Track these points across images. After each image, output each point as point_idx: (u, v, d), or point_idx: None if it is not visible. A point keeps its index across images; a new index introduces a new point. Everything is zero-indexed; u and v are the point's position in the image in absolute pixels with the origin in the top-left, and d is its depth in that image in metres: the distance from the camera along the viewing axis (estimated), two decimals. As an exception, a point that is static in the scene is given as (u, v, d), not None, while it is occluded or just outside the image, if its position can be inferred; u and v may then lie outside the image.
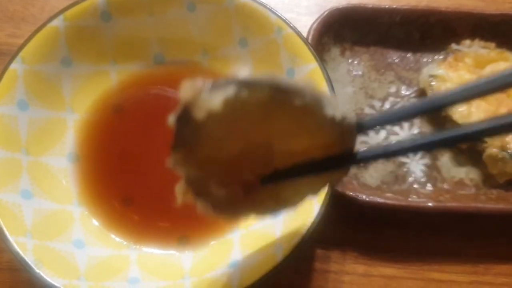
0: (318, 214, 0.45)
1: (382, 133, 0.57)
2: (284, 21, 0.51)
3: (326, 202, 0.45)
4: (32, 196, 0.48)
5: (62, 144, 0.53)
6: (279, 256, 0.44)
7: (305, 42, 0.51)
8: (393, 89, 0.59)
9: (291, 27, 0.51)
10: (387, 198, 0.51)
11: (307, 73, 0.51)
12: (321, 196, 0.46)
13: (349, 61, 0.60)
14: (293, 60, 0.52)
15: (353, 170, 0.55)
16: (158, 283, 0.47)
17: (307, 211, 0.46)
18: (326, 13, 0.57)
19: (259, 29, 0.53)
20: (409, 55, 0.60)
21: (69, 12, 0.51)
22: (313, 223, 0.45)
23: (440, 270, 0.54)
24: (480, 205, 0.51)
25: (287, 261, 0.44)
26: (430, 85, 0.56)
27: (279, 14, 0.51)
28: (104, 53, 0.55)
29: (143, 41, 0.55)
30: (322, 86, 0.50)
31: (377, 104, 0.58)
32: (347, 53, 0.60)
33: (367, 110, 0.58)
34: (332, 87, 0.49)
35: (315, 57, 0.50)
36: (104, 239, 0.50)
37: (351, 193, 0.50)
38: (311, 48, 0.51)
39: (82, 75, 0.54)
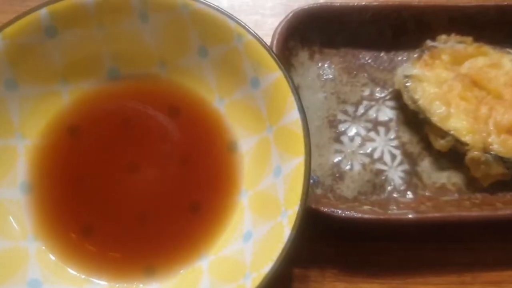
0: (289, 239, 0.41)
1: (357, 140, 0.54)
2: (244, 27, 0.47)
3: (297, 226, 0.42)
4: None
5: (13, 174, 0.49)
6: (248, 287, 0.41)
7: (267, 50, 0.47)
8: (366, 92, 0.55)
9: (251, 33, 0.47)
10: (364, 212, 0.47)
11: (272, 82, 0.47)
12: (292, 219, 0.42)
13: (319, 65, 0.56)
14: (256, 69, 0.48)
15: (328, 182, 0.52)
16: (121, 322, 0.43)
17: (277, 235, 0.43)
18: (290, 14, 0.53)
19: (218, 37, 0.49)
20: (382, 54, 0.57)
21: (8, 30, 0.47)
22: (283, 249, 0.41)
23: (425, 283, 0.51)
24: (464, 213, 0.48)
25: (258, 292, 0.40)
26: (406, 86, 0.52)
27: (238, 20, 0.48)
28: (53, 71, 0.50)
29: (94, 55, 0.51)
30: (288, 96, 0.46)
31: (350, 109, 0.55)
32: (317, 56, 0.56)
33: (340, 116, 0.54)
34: (298, 97, 0.46)
35: (279, 65, 0.47)
36: (64, 276, 0.46)
37: (325, 209, 0.47)
38: (274, 55, 0.47)
39: (31, 97, 0.50)
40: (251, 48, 0.47)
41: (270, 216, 0.45)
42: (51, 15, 0.48)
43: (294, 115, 0.46)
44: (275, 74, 0.47)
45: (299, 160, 0.44)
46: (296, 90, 0.46)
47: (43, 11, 0.47)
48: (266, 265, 0.41)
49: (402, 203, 0.51)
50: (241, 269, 0.44)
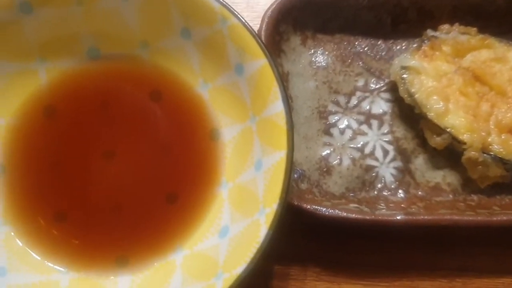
0: (265, 239, 0.39)
1: (348, 133, 0.51)
2: (229, 9, 0.44)
3: (275, 225, 0.39)
4: None
5: (-16, 155, 0.47)
6: (218, 289, 0.39)
7: (252, 35, 0.44)
8: (361, 82, 0.52)
9: (236, 16, 0.44)
10: (350, 211, 0.45)
11: (257, 70, 0.44)
12: (269, 218, 0.40)
13: (312, 51, 0.53)
14: (241, 54, 0.45)
15: (314, 176, 0.49)
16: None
17: (253, 234, 0.40)
18: (282, -3, 0.49)
19: (202, 19, 0.46)
20: (380, 42, 0.53)
21: (-21, 5, 0.44)
22: (258, 249, 0.39)
23: (412, 287, 0.49)
24: (456, 217, 0.45)
25: (228, 294, 0.38)
26: (402, 78, 0.49)
27: (223, 1, 0.44)
28: (29, 49, 0.48)
29: (73, 34, 0.49)
30: (272, 85, 0.43)
31: (343, 100, 0.52)
32: (309, 42, 0.53)
33: (331, 107, 0.51)
34: (283, 87, 0.43)
35: (264, 52, 0.44)
36: (31, 263, 0.45)
37: (308, 207, 0.44)
38: (260, 41, 0.44)
39: (5, 75, 0.48)
40: (235, 33, 0.44)
41: (248, 212, 0.43)
42: (26, -10, 0.45)
43: (278, 107, 0.43)
44: (259, 61, 0.44)
45: (281, 155, 0.42)
46: (281, 80, 0.43)
47: (17, -14, 0.44)
48: (239, 265, 0.39)
49: (392, 202, 0.48)
50: (213, 268, 0.42)
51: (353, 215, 0.44)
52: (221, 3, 0.44)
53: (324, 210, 0.44)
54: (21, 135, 0.48)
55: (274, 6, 0.49)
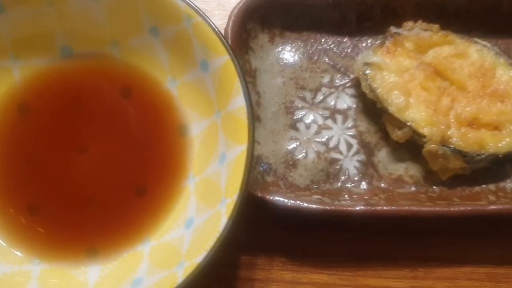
0: (225, 228, 0.40)
1: (313, 127, 0.52)
2: (193, 8, 0.46)
3: (234, 215, 0.41)
4: None
5: (-42, 150, 0.48)
6: (180, 276, 0.40)
7: (216, 32, 0.45)
8: (326, 78, 0.54)
9: (200, 15, 0.46)
10: (310, 202, 0.46)
11: (220, 66, 0.46)
12: (230, 208, 0.41)
13: (279, 48, 0.54)
14: (205, 52, 0.46)
15: (280, 169, 0.50)
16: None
17: (214, 224, 0.42)
18: (249, -5, 0.51)
19: (168, 17, 0.47)
20: (345, 40, 0.55)
21: (-49, 5, 0.46)
22: (218, 238, 0.40)
23: (376, 276, 0.50)
24: (414, 208, 0.46)
25: (189, 281, 0.40)
26: (364, 74, 0.51)
27: (188, 1, 0.46)
28: (2, 48, 0.50)
29: (46, 33, 0.50)
30: (234, 81, 0.44)
31: (309, 95, 0.53)
32: (277, 39, 0.54)
33: (297, 103, 0.53)
34: (245, 82, 0.44)
35: (227, 49, 0.45)
36: (2, 254, 0.46)
37: (271, 198, 0.46)
38: (222, 38, 0.45)
39: (-22, 73, 0.49)
40: (200, 30, 0.46)
41: (212, 204, 0.44)
42: (-3, -10, 0.46)
43: (239, 102, 0.44)
44: (223, 58, 0.45)
45: (242, 148, 0.43)
46: (243, 75, 0.44)
47: (-12, -14, 0.46)
48: (199, 254, 0.40)
49: (355, 194, 0.49)
50: (177, 257, 0.43)
51: (314, 206, 0.46)
52: (186, 2, 0.46)
53: (286, 201, 0.46)
54: (-4, 131, 0.50)
55: (241, 4, 0.51)
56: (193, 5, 0.46)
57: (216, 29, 0.45)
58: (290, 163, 0.51)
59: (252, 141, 0.43)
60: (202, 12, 0.46)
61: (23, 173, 0.49)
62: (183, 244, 0.44)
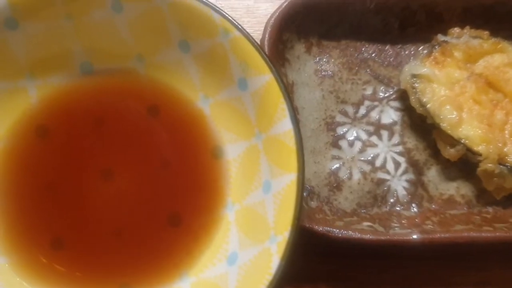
0: (278, 270, 0.37)
1: (357, 145, 0.48)
2: (230, 21, 0.42)
3: (287, 255, 0.37)
4: None
5: (-25, 180, 0.44)
6: (230, 323, 0.36)
7: (256, 48, 0.41)
8: (369, 90, 0.50)
9: (239, 29, 0.41)
10: (363, 232, 0.43)
11: (262, 85, 0.41)
12: (281, 247, 0.37)
13: (317, 59, 0.50)
14: (244, 69, 0.42)
15: (324, 193, 0.47)
16: None
17: (265, 263, 0.38)
18: (285, 4, 0.47)
19: (201, 31, 0.43)
20: (387, 48, 0.51)
21: (-38, 22, 0.41)
22: (271, 281, 0.37)
23: (428, 304, 0.47)
24: (473, 234, 0.43)
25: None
26: (413, 87, 0.47)
27: (223, 13, 0.42)
28: (17, 66, 0.45)
29: (64, 49, 0.46)
30: (279, 102, 0.40)
31: (351, 110, 0.49)
32: (314, 49, 0.50)
33: (339, 118, 0.49)
34: (291, 104, 0.40)
35: (269, 67, 0.41)
36: (27, 297, 0.42)
37: (320, 229, 0.42)
38: (264, 55, 0.41)
39: (-7, 95, 0.45)
40: (238, 46, 0.42)
41: (258, 238, 0.41)
42: (10, 6, 0.42)
43: (285, 125, 0.40)
44: (265, 76, 0.41)
45: (291, 178, 0.39)
46: (288, 96, 0.40)
47: (2, 2, 0.41)
48: (250, 299, 0.37)
49: (405, 218, 0.46)
50: (224, 299, 0.39)
51: (368, 236, 0.42)
52: (222, 14, 0.42)
53: (337, 231, 0.42)
54: (12, 157, 0.46)
55: (277, 14, 0.46)
56: (229, 18, 0.42)
57: (257, 45, 0.41)
58: (334, 185, 0.47)
59: (303, 170, 0.39)
60: (241, 26, 0.42)
61: (44, 204, 0.45)
62: (228, 283, 0.40)
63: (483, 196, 0.47)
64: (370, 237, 0.42)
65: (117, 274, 0.44)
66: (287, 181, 0.39)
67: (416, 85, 0.47)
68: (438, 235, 0.43)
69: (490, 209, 0.47)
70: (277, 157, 0.41)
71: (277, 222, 0.39)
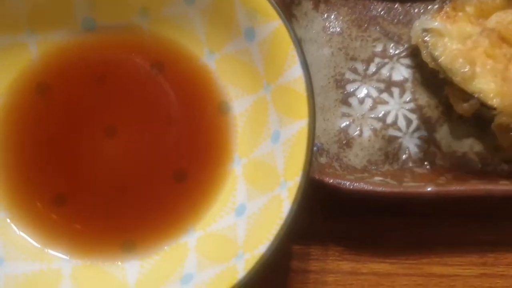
0: (289, 214, 0.35)
1: (368, 102, 0.47)
2: (237, -31, 0.40)
3: (298, 199, 0.36)
4: None
5: (-26, 135, 0.43)
6: (240, 271, 0.35)
7: (264, -7, 0.40)
8: (379, 47, 0.49)
9: (245, -25, 0.40)
10: (376, 184, 0.41)
11: (270, 33, 0.40)
12: (292, 192, 0.36)
13: (325, 16, 0.49)
14: (251, 17, 0.41)
15: (333, 149, 0.45)
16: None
17: (275, 209, 0.37)
18: (292, -43, 0.45)
19: (207, -19, 0.42)
20: (396, 5, 0.50)
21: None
22: (282, 226, 0.35)
23: (441, 263, 0.46)
24: (490, 187, 0.42)
25: (251, 275, 0.35)
26: (424, 41, 0.46)
27: (229, -40, 0.41)
28: (17, 21, 0.44)
29: (65, 3, 0.45)
30: (288, 49, 0.39)
31: (361, 67, 0.48)
32: (322, 6, 0.49)
33: (348, 75, 0.48)
34: (301, 50, 0.39)
35: (278, 13, 0.40)
36: (30, 251, 0.41)
37: (331, 181, 0.41)
38: (272, 1, 0.40)
39: (-7, 49, 0.44)
40: (245, -7, 0.41)
41: (267, 188, 0.39)
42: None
43: (296, 72, 0.39)
44: (273, 23, 0.40)
45: (302, 124, 0.38)
46: (298, 43, 0.39)
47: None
48: (261, 244, 0.36)
49: (419, 175, 0.45)
50: (232, 248, 0.38)
51: (380, 188, 0.41)
52: (227, -38, 0.41)
53: (349, 184, 0.41)
54: (13, 114, 0.44)
55: (284, -34, 0.45)
56: (236, -35, 0.41)
57: (265, -9, 0.40)
58: (344, 142, 0.46)
59: (314, 115, 0.38)
60: (247, -29, 0.40)
61: (46, 160, 0.44)
62: (236, 234, 0.39)
63: (498, 154, 0.46)
64: (383, 189, 0.41)
65: (121, 230, 0.42)
66: (298, 127, 0.38)
67: (427, 39, 0.46)
68: (454, 187, 0.41)
69: (505, 166, 0.46)
70: (287, 106, 0.40)
71: (287, 169, 0.38)
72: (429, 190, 0.41)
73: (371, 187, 0.41)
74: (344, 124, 0.46)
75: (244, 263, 0.35)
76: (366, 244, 0.45)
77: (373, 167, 0.45)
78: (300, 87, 0.39)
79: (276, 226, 0.36)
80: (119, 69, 0.46)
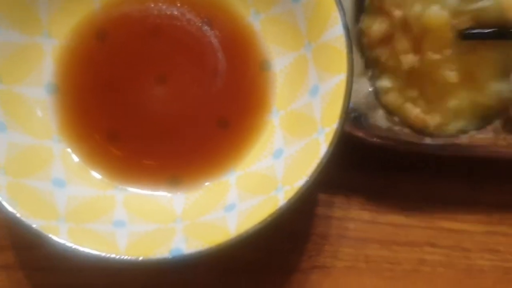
0: (325, 154, 0.40)
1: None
2: None
3: (334, 142, 0.40)
4: (5, 129, 0.43)
5: (39, 73, 0.47)
6: (281, 199, 0.40)
7: (314, -40, 0.44)
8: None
9: None
10: (405, 136, 0.46)
11: (316, -4, 0.45)
12: (329, 136, 0.41)
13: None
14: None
15: (361, 110, 0.50)
16: (147, 226, 0.42)
17: (312, 151, 0.41)
18: None
19: None
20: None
21: None
22: (319, 164, 0.40)
23: (451, 219, 0.50)
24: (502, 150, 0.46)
25: (291, 204, 0.39)
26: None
27: None
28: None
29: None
30: (331, 10, 0.44)
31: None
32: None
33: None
34: (344, 12, 0.44)
35: (325, -22, 0.44)
36: (87, 178, 0.45)
37: (360, 134, 0.45)
38: (321, -33, 0.44)
39: (60, -2, 0.48)
40: None
41: (304, 134, 0.44)
42: None
43: (337, 31, 0.43)
44: (318, -14, 0.44)
45: (341, 77, 0.42)
46: (341, 6, 0.44)
47: None
48: (300, 179, 0.40)
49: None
50: (272, 183, 0.42)
51: (409, 139, 0.45)
52: None
53: (375, 138, 0.45)
54: (73, 57, 0.48)
55: None
56: None
57: (314, -44, 0.44)
58: (372, 104, 0.50)
59: (352, 70, 0.42)
60: None
61: (102, 100, 0.48)
62: (275, 172, 0.43)
63: (510, 124, 0.50)
64: (412, 140, 0.45)
65: (169, 166, 0.47)
66: (337, 81, 0.43)
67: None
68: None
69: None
70: (327, 62, 0.44)
71: (325, 117, 0.42)
72: (460, 141, 0.45)
73: (400, 136, 0.45)
74: (372, 88, 0.51)
75: (284, 194, 0.40)
76: (386, 197, 0.50)
77: (397, 128, 0.49)
78: (341, 45, 0.43)
79: (314, 164, 0.40)
80: (173, 22, 0.50)
